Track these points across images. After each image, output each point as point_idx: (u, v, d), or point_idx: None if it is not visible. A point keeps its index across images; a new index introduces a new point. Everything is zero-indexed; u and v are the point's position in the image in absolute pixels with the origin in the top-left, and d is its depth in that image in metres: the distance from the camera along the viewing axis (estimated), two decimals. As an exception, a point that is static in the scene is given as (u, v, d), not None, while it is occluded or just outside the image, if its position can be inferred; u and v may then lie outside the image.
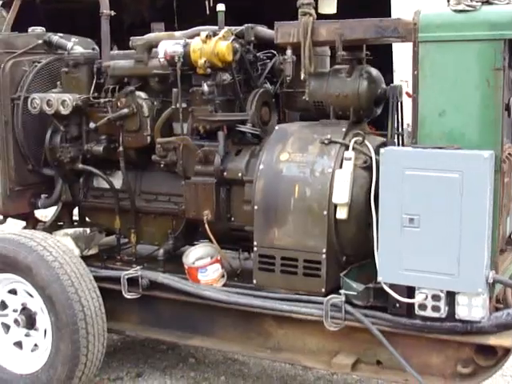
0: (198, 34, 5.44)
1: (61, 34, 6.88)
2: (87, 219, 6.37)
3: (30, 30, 6.89)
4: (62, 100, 6.04)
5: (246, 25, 5.25)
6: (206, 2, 11.54)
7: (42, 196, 6.67)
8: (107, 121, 5.94)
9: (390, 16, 7.57)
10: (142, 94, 6.00)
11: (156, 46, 5.73)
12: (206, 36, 5.34)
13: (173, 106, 5.62)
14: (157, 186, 5.85)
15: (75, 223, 6.84)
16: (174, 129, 5.77)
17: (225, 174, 5.41)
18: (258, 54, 5.48)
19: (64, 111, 6.04)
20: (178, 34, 5.91)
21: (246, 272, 5.10)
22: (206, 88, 5.43)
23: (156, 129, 5.76)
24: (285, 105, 5.48)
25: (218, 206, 5.19)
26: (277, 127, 5.03)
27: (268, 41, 5.37)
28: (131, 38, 6.11)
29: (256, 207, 4.74)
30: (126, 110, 5.86)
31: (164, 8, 14.07)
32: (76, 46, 6.64)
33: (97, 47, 6.54)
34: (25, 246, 5.07)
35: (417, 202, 3.89)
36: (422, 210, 3.87)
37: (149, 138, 5.89)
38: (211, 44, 5.33)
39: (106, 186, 5.98)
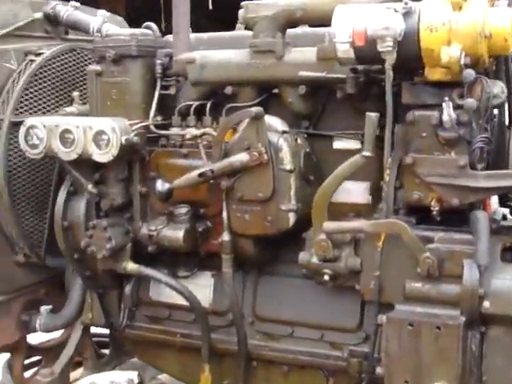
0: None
1: (74, 3, 3.55)
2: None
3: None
4: (96, 132, 2.75)
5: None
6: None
7: (43, 309, 3.54)
8: (197, 178, 2.63)
9: None
10: (277, 122, 2.71)
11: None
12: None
13: (365, 153, 2.41)
14: (295, 309, 2.99)
15: (104, 359, 3.53)
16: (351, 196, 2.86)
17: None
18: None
19: (101, 155, 2.82)
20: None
21: None
22: (450, 114, 2.31)
23: (318, 198, 2.62)
24: None
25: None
26: None
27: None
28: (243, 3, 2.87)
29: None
30: (244, 157, 2.60)
31: (145, 4, 10.58)
32: (107, 24, 3.33)
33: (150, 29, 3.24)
34: None
35: None
36: None
37: (292, 218, 2.68)
38: (475, 15, 2.36)
39: (177, 300, 3.14)
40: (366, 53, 2.51)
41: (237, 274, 3.02)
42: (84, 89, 3.47)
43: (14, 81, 3.29)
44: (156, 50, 3.13)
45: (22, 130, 3.02)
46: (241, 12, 2.93)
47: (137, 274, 3.12)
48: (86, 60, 3.53)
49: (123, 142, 2.86)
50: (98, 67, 3.10)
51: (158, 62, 3.09)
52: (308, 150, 2.88)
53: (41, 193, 3.39)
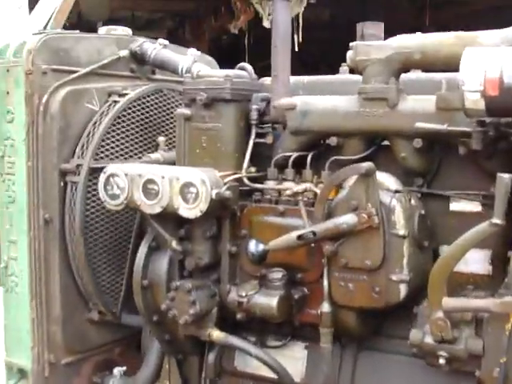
0: None
1: (163, 40, 3.29)
2: None
3: (100, 28, 3.33)
4: (184, 184, 2.45)
5: None
6: (295, 37, 7.96)
7: (116, 371, 3.27)
8: (296, 241, 2.29)
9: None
10: (389, 180, 2.37)
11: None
12: None
13: (495, 221, 2.14)
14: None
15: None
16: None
17: None
18: None
19: (188, 210, 2.54)
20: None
21: None
22: None
23: (437, 270, 2.26)
24: None
25: None
26: None
27: None
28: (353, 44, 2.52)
29: None
30: (351, 219, 2.25)
31: (229, 45, 10.35)
32: (197, 64, 3.05)
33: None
34: None
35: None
36: None
37: (403, 289, 2.33)
38: None
39: (265, 372, 2.78)
40: (500, 104, 2.15)
41: (333, 347, 2.65)
42: (170, 134, 3.19)
43: (95, 123, 3.03)
44: (251, 94, 2.82)
45: (102, 177, 2.75)
46: (349, 54, 2.60)
47: (223, 344, 2.77)
48: (173, 102, 3.27)
49: (213, 196, 2.55)
50: (187, 111, 2.81)
51: (254, 107, 2.79)
52: (423, 211, 2.50)
53: (119, 246, 3.12)
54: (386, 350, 2.68)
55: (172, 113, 3.18)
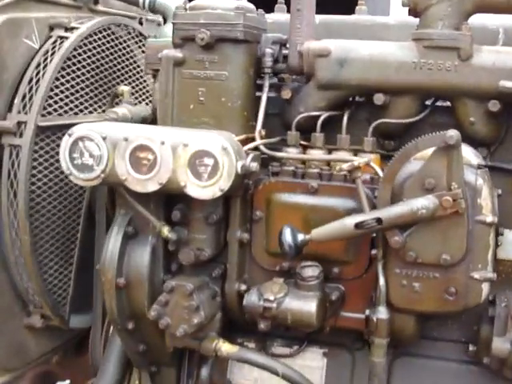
0: None
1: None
2: None
3: None
4: (196, 152, 1.82)
5: None
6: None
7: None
8: (353, 230, 1.70)
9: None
10: (468, 152, 1.84)
11: None
12: None
13: None
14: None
15: None
16: None
17: None
18: None
19: (202, 189, 1.88)
20: None
21: None
22: None
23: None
24: None
25: None
26: None
27: None
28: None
29: None
30: (432, 203, 1.73)
31: None
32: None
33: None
34: None
35: None
36: None
37: (486, 289, 1.97)
38: None
39: None
40: None
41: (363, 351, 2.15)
42: (131, 81, 2.45)
43: (38, 66, 2.23)
44: (260, 34, 2.17)
45: (66, 142, 1.99)
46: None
47: (235, 359, 2.15)
48: (129, 40, 2.51)
49: (239, 170, 1.89)
50: (178, 53, 2.10)
51: (268, 50, 2.13)
52: (499, 191, 2.01)
53: (67, 230, 2.36)
54: (428, 356, 2.20)
55: (129, 53, 2.43)
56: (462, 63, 1.99)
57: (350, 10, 2.46)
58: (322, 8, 2.18)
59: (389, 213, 1.88)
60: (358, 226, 1.89)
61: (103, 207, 2.40)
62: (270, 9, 2.44)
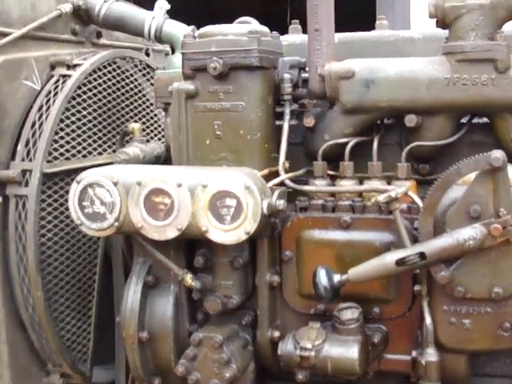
0: None
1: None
2: None
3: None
4: (217, 193, 1.64)
5: None
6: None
7: None
8: (394, 267, 1.52)
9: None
10: None
11: None
12: None
13: None
14: None
15: None
16: None
17: None
18: None
19: (225, 233, 1.67)
20: None
21: None
22: None
23: None
24: None
25: None
26: None
27: None
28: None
29: None
30: (479, 232, 1.60)
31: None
32: (171, 21, 2.20)
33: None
34: None
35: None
36: None
37: None
38: None
39: None
40: None
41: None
42: (141, 117, 2.30)
43: (40, 109, 2.07)
44: (277, 59, 2.01)
45: (75, 189, 1.83)
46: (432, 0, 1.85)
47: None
48: (136, 74, 2.36)
49: (265, 210, 1.72)
50: (190, 85, 1.94)
51: (286, 76, 1.97)
52: (545, 214, 1.82)
53: (82, 282, 2.20)
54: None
55: (137, 88, 2.28)
56: (499, 76, 1.83)
57: (369, 25, 2.30)
58: (338, 25, 2.02)
59: (433, 246, 1.71)
60: (399, 262, 1.72)
61: (120, 254, 2.25)
62: (282, 30, 2.28)
